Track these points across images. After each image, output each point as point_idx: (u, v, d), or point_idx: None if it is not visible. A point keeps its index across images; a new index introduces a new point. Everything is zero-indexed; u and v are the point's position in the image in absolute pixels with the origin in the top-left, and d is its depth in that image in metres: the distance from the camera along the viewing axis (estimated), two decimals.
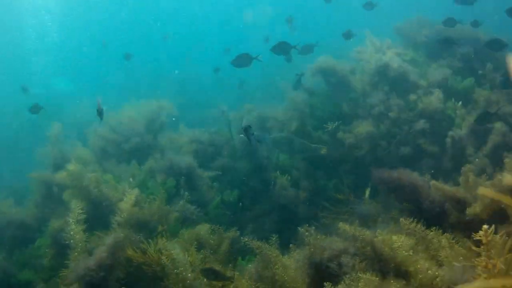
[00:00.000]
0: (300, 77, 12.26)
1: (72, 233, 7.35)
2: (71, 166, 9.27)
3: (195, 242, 7.60)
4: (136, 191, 8.26)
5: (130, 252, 7.10)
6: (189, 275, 6.31)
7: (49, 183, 9.91)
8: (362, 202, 8.83)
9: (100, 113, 8.39)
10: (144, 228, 8.08)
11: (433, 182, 6.55)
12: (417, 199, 6.61)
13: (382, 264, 5.21)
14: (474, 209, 5.84)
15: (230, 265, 7.47)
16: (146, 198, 8.74)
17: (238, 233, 8.40)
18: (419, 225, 5.42)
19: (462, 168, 6.59)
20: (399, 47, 12.54)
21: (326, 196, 9.96)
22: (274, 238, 7.41)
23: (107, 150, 11.97)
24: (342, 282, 4.90)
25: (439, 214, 6.28)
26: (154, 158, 10.87)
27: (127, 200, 7.96)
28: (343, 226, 5.81)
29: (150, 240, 7.35)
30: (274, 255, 6.07)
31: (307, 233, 5.93)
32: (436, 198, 6.43)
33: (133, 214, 7.89)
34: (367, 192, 9.05)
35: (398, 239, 5.25)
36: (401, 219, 5.58)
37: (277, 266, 5.92)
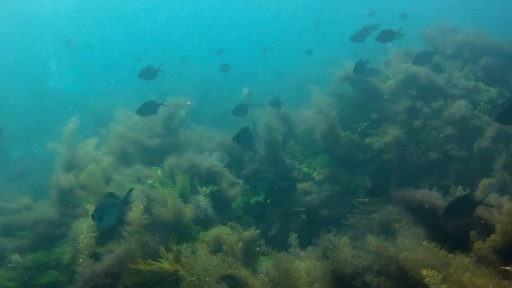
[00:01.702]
0: (278, 98, 12.08)
1: (81, 236, 7.55)
2: (90, 167, 9.49)
3: (213, 244, 7.71)
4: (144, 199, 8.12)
5: (143, 265, 7.08)
6: (206, 286, 6.31)
7: (68, 185, 9.91)
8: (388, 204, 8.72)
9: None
10: (159, 230, 8.05)
11: None
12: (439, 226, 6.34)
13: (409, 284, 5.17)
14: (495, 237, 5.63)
15: (249, 268, 7.35)
16: (161, 198, 8.58)
17: (258, 231, 8.40)
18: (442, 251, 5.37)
19: (481, 182, 6.49)
20: None
21: (353, 197, 9.91)
22: (293, 237, 7.54)
23: (126, 149, 11.80)
24: None
25: (463, 239, 6.05)
26: (173, 157, 10.65)
27: (136, 210, 7.88)
28: (370, 239, 5.81)
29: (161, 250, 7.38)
30: (292, 267, 6.09)
31: (330, 246, 5.93)
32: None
33: (143, 221, 7.83)
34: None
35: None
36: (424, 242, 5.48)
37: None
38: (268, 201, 10.33)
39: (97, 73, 33.99)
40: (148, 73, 10.65)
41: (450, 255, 5.37)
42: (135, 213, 7.82)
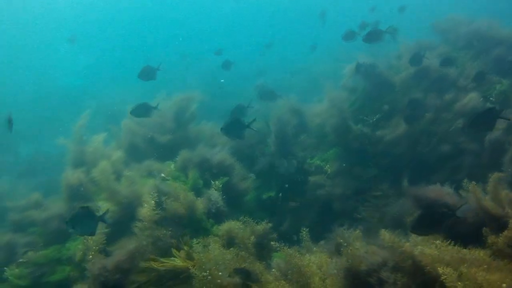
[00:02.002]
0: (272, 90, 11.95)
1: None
2: (101, 164, 9.46)
3: (226, 238, 7.69)
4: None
5: (156, 264, 7.05)
6: (219, 281, 6.29)
7: (78, 181, 9.94)
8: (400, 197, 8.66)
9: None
10: (172, 224, 8.05)
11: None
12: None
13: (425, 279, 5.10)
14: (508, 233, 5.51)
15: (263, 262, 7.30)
16: (173, 192, 8.58)
17: (270, 225, 8.32)
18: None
19: (491, 177, 6.40)
20: (440, 47, 12.34)
21: (365, 190, 9.87)
22: (305, 233, 7.48)
23: (137, 145, 11.88)
24: None
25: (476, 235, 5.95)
26: (185, 152, 10.57)
27: (147, 206, 7.89)
28: (384, 234, 5.75)
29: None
30: (304, 263, 6.05)
31: (344, 243, 5.85)
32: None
33: (155, 217, 7.83)
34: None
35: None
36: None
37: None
38: (280, 195, 10.27)
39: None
40: (147, 73, 10.59)
41: (465, 250, 5.31)
42: (146, 209, 7.80)
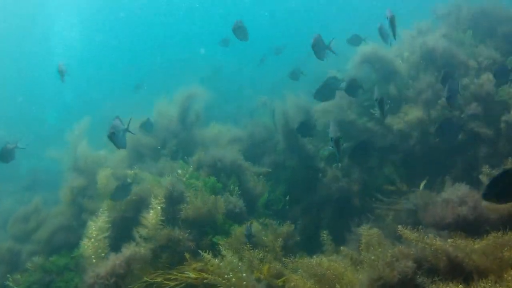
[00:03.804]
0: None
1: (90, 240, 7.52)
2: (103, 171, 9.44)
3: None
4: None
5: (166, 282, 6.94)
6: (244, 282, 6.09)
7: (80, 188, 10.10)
8: (415, 193, 8.37)
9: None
10: (194, 225, 8.04)
11: None
12: None
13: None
14: None
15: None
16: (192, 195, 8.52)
17: (293, 227, 8.34)
18: None
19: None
20: (443, 28, 11.95)
21: (378, 187, 9.52)
22: (325, 235, 7.23)
23: (141, 151, 11.62)
24: None
25: None
26: (199, 153, 10.53)
27: (153, 214, 7.71)
28: (404, 232, 5.47)
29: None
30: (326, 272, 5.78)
31: (373, 258, 5.48)
32: None
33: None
34: (422, 185, 8.65)
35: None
36: None
37: None
38: (287, 198, 10.05)
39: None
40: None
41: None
42: (152, 216, 7.69)
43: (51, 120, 26.36)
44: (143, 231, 7.56)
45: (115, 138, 6.96)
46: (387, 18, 7.58)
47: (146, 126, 10.85)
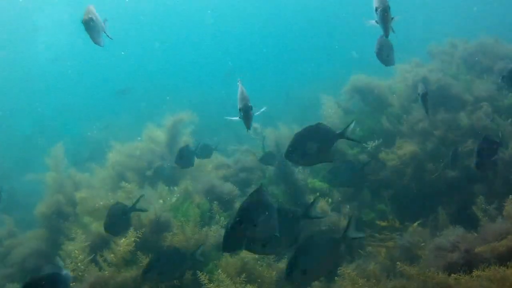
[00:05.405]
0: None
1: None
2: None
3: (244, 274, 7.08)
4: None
5: None
6: None
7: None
8: (408, 230, 8.16)
9: None
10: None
11: None
12: None
13: None
14: None
15: None
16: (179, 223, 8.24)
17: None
18: None
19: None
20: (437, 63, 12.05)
21: (369, 223, 9.25)
22: None
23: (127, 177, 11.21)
24: None
25: None
26: (187, 180, 10.21)
27: (125, 241, 7.42)
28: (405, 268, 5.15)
29: None
30: None
31: None
32: None
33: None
34: (416, 224, 8.44)
35: None
36: None
37: None
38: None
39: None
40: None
41: None
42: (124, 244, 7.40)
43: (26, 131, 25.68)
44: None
45: None
46: (419, 94, 7.44)
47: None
